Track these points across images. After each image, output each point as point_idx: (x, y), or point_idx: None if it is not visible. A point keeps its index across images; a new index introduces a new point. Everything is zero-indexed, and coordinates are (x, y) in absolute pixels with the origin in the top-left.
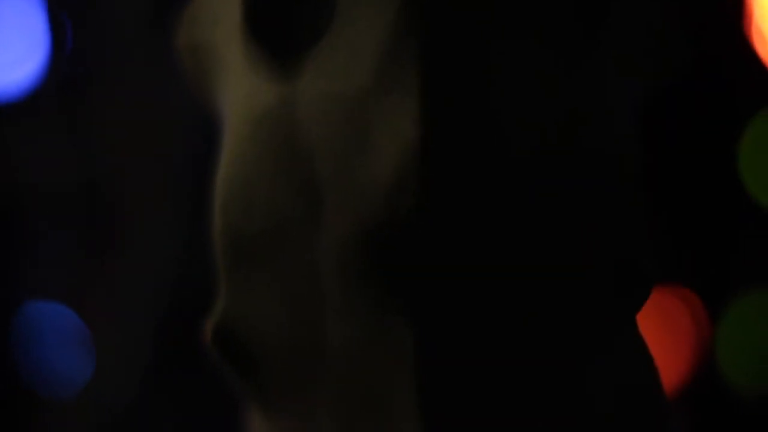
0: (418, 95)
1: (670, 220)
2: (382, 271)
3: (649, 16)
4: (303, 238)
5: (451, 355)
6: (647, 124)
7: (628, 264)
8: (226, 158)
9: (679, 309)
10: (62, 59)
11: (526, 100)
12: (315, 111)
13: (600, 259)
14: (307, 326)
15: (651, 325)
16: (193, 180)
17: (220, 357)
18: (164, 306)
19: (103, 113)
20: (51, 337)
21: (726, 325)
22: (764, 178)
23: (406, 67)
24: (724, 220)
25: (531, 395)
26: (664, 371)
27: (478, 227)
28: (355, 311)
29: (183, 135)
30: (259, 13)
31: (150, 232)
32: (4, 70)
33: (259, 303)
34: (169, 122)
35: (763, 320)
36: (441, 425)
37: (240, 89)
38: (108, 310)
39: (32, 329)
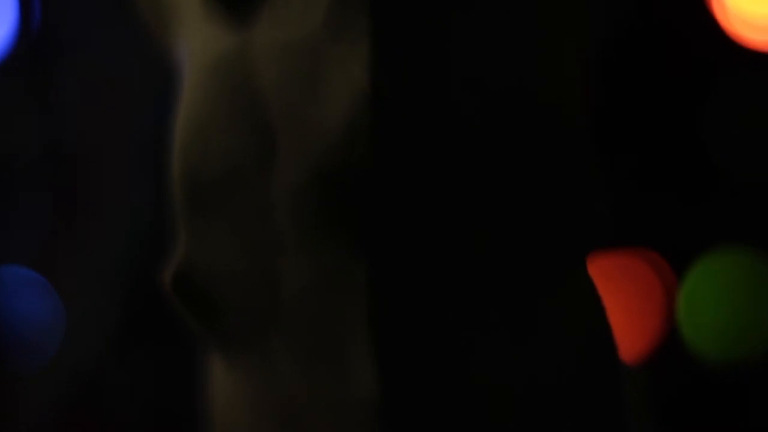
0: (368, 41)
1: (632, 183)
2: (335, 213)
3: None
4: (258, 183)
5: (405, 295)
6: (611, 86)
7: (577, 207)
8: (184, 105)
9: (647, 271)
10: (30, 29)
11: (476, 47)
12: (269, 58)
13: (549, 201)
14: (263, 270)
15: (619, 288)
16: (159, 144)
17: (180, 303)
18: (133, 268)
19: (71, 80)
20: (21, 303)
21: (687, 285)
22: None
23: (357, 13)
24: (687, 182)
25: (483, 332)
26: (633, 333)
27: (429, 169)
28: (310, 253)
29: (149, 101)
30: None
31: (117, 195)
32: None
33: (216, 248)
34: (136, 88)
35: (722, 279)
36: (395, 363)
37: (197, 37)
38: (77, 273)
39: (2, 296)
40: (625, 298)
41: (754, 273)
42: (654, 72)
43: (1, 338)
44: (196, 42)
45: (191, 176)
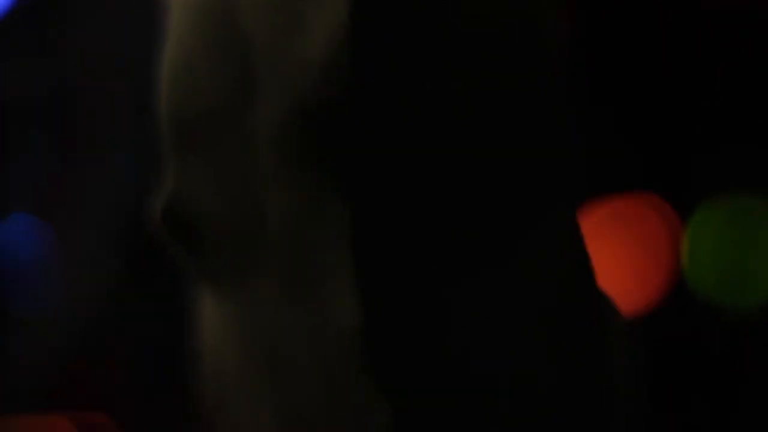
0: None
1: (637, 129)
2: (316, 148)
3: None
4: (242, 118)
5: (386, 227)
6: (618, 31)
7: (555, 137)
8: (170, 43)
9: (652, 216)
10: None
11: None
12: None
13: (530, 137)
14: (248, 204)
15: (625, 232)
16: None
17: (169, 236)
18: (132, 211)
19: (74, 26)
20: (23, 249)
21: (691, 229)
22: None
23: None
24: (688, 127)
25: (464, 263)
26: (639, 277)
27: (410, 102)
28: (293, 188)
29: (146, 42)
30: None
31: (117, 137)
32: None
33: (203, 183)
34: (134, 29)
35: (726, 224)
36: (376, 295)
37: None
38: (78, 216)
39: (6, 243)
40: (631, 243)
41: (758, 218)
42: (658, 17)
43: (4, 283)
44: None
45: (177, 112)
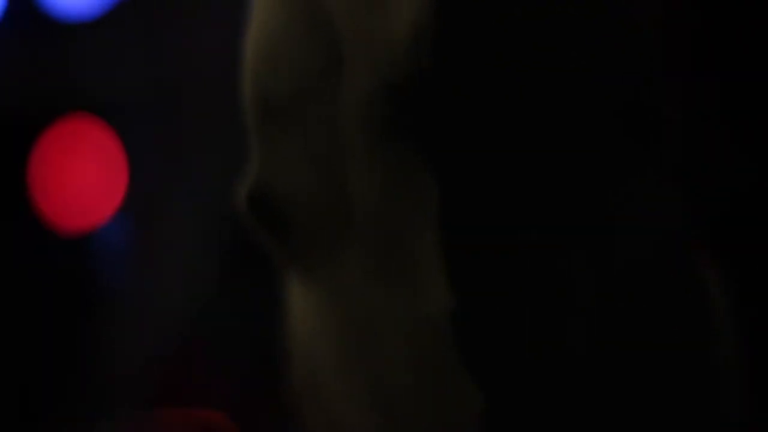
0: None
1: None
2: (403, 125)
3: None
4: (327, 97)
5: (477, 209)
6: None
7: (643, 107)
8: (254, 23)
9: None
10: None
11: None
12: None
13: (615, 103)
14: (335, 184)
15: None
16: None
17: (256, 221)
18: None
19: (181, 22)
20: (123, 247)
21: None
22: None
23: None
24: None
25: (557, 247)
26: None
27: (497, 78)
28: (380, 168)
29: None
30: None
31: (218, 139)
32: None
33: (289, 165)
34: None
35: None
36: (467, 281)
37: None
38: (177, 214)
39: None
40: None
41: None
42: None
43: (104, 280)
44: None
45: (262, 93)
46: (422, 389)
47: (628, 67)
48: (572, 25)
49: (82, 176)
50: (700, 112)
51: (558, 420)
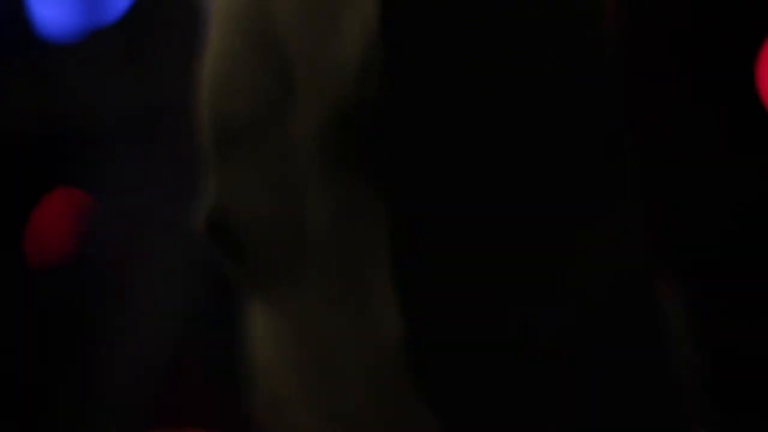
0: None
1: None
2: (354, 151)
3: None
4: (281, 123)
5: (427, 232)
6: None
7: (613, 133)
8: (210, 50)
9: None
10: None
11: None
12: (286, 0)
13: (581, 128)
14: (289, 208)
15: None
16: None
17: (215, 246)
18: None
19: (164, 47)
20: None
21: None
22: None
23: None
24: None
25: (510, 269)
26: None
27: (447, 102)
28: (333, 193)
29: None
30: None
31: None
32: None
33: (245, 189)
34: None
35: None
36: (418, 303)
37: None
38: (164, 230)
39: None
40: None
41: None
42: None
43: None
44: None
45: (217, 119)
46: (378, 413)
47: (587, 96)
48: (523, 53)
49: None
50: (661, 138)
51: None
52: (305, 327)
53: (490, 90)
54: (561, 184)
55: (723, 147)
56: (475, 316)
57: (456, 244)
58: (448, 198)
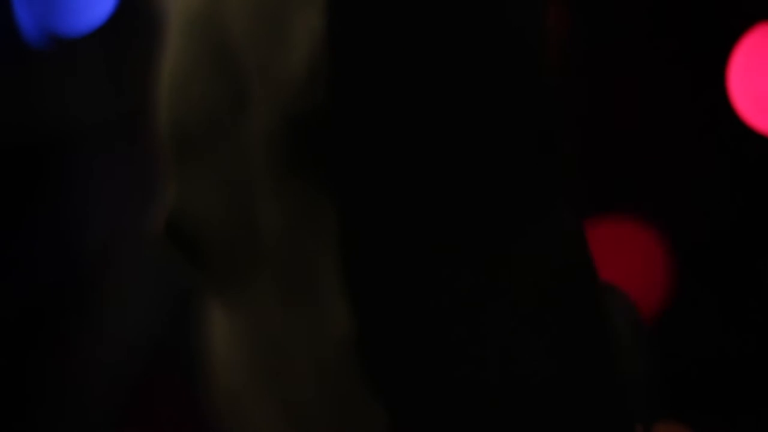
0: None
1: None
2: (305, 157)
3: None
4: (234, 130)
5: (379, 234)
6: None
7: (545, 137)
8: (167, 56)
9: (642, 238)
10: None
11: None
12: (239, 9)
13: (516, 134)
14: (243, 214)
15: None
16: None
17: (173, 248)
18: None
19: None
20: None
21: None
22: None
23: None
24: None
25: (456, 268)
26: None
27: (395, 108)
28: (285, 198)
29: None
30: None
31: None
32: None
33: (201, 195)
34: None
35: None
36: (369, 303)
37: None
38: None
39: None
40: (624, 265)
41: None
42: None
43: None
44: None
45: (175, 124)
46: (330, 410)
47: (526, 92)
48: (467, 54)
49: None
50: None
51: None
52: (258, 327)
53: (436, 95)
54: (502, 184)
55: (690, 150)
56: (422, 314)
57: (404, 245)
58: (396, 201)
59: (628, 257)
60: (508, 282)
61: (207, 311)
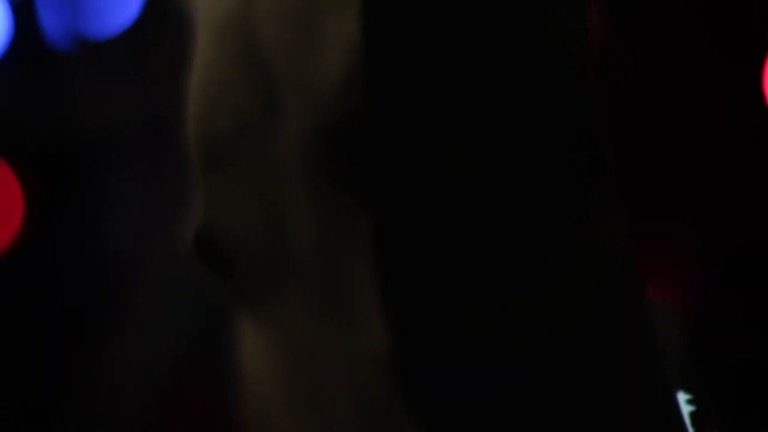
0: None
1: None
2: (338, 165)
3: None
4: (266, 139)
5: (415, 250)
6: None
7: (586, 144)
8: (196, 65)
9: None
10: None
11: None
12: (270, 14)
13: (556, 142)
14: (274, 226)
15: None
16: None
17: (202, 262)
18: None
19: (170, 58)
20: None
21: None
22: None
23: None
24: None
25: (494, 282)
26: None
27: (433, 115)
28: (318, 207)
29: None
30: None
31: None
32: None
33: (231, 206)
34: None
35: None
36: (404, 317)
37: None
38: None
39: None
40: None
41: None
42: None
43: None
44: (204, 3)
45: (204, 135)
46: (364, 426)
47: (567, 96)
48: (506, 65)
49: None
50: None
51: None
52: (292, 342)
53: (474, 101)
54: (542, 193)
55: (726, 154)
56: (460, 328)
57: (441, 256)
58: (432, 210)
59: (660, 264)
60: (549, 293)
61: (237, 324)
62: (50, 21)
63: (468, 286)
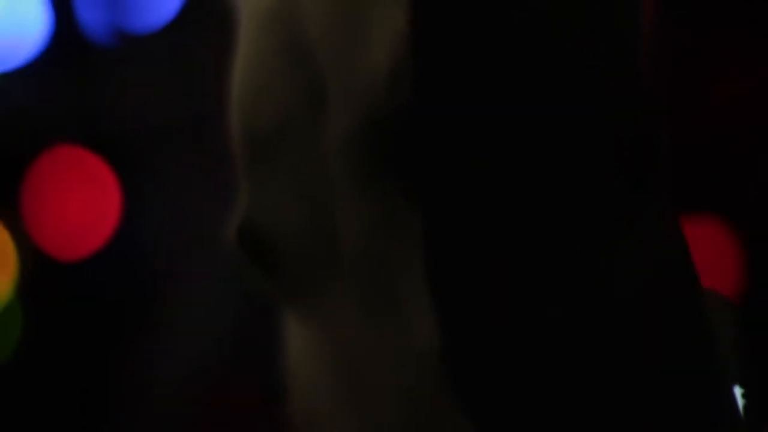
0: None
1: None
2: (386, 160)
3: None
4: (312, 132)
5: (463, 242)
6: None
7: (637, 140)
8: (239, 58)
9: (714, 237)
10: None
11: None
12: (315, 7)
13: (607, 137)
14: (320, 221)
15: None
16: None
17: (246, 257)
18: None
19: (213, 51)
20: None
21: None
22: None
23: None
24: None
25: (546, 276)
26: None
27: (483, 110)
28: (365, 202)
29: None
30: None
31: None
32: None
33: (276, 199)
34: None
35: None
36: (455, 316)
37: None
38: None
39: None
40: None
41: None
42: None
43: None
44: None
45: (248, 128)
46: (414, 426)
47: (619, 104)
48: (558, 60)
49: (73, 204)
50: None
51: None
52: (339, 340)
53: (525, 95)
54: (595, 187)
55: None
56: (512, 325)
57: (491, 253)
58: (482, 206)
59: (703, 254)
60: (603, 287)
61: (284, 322)
62: (91, 15)
63: (521, 284)
